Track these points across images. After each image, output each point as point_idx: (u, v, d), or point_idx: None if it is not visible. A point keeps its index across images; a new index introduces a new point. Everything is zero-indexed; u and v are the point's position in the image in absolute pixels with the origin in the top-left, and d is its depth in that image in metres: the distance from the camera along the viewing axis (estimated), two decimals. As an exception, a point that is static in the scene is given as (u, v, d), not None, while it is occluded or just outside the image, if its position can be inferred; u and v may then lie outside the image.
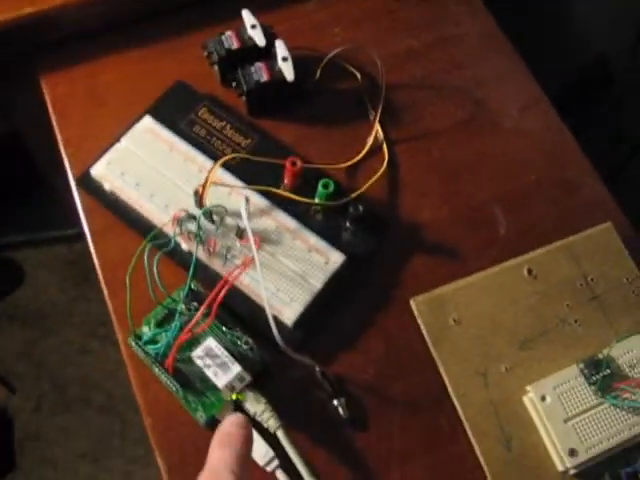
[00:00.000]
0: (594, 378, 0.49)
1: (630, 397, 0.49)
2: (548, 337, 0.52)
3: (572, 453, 0.47)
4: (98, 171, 0.54)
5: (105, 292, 0.53)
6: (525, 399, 0.50)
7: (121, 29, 0.62)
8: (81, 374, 1.22)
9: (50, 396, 1.20)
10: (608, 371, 0.49)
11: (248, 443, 0.38)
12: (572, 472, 0.48)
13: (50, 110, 0.59)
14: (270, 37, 0.57)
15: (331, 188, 0.52)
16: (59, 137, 0.58)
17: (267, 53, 0.57)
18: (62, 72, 0.60)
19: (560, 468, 0.48)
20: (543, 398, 0.49)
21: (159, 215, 0.52)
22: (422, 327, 0.51)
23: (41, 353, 1.22)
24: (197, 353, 0.47)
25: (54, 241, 1.30)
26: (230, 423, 0.39)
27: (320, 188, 0.52)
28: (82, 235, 1.25)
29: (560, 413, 0.48)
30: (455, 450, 0.49)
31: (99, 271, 0.53)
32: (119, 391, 1.21)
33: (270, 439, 0.46)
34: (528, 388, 0.49)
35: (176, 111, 0.57)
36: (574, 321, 0.52)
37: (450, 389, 0.50)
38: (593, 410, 0.49)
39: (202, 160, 0.55)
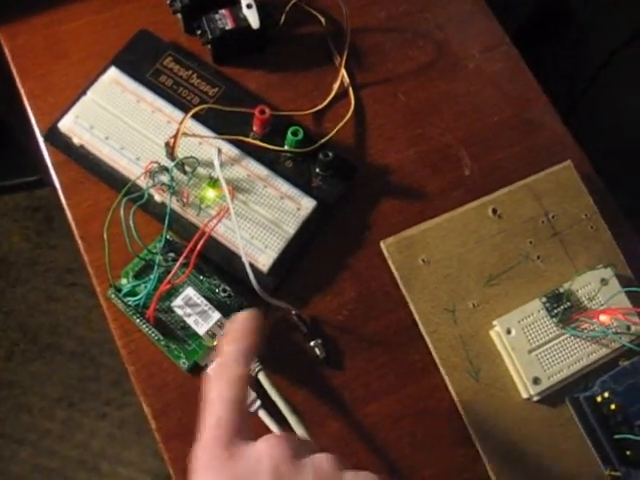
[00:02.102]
0: (555, 311, 0.52)
1: (588, 327, 0.52)
2: (512, 273, 0.54)
3: (535, 381, 0.50)
4: (66, 125, 0.54)
5: (80, 246, 0.53)
6: (492, 333, 0.52)
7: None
8: (51, 321, 1.22)
9: (21, 344, 1.20)
10: (568, 304, 0.52)
11: (253, 335, 0.40)
12: (535, 399, 0.51)
13: (10, 62, 0.58)
14: (233, -17, 0.57)
15: (300, 135, 0.53)
16: (22, 90, 0.57)
17: (231, -1, 0.57)
18: (20, 22, 0.59)
19: (524, 395, 0.51)
20: (508, 331, 0.51)
21: (130, 168, 0.53)
22: (392, 268, 0.53)
23: (8, 302, 1.22)
24: (177, 303, 0.49)
25: (14, 189, 1.28)
26: (238, 320, 0.40)
27: (289, 135, 0.53)
28: (43, 181, 1.23)
29: (524, 345, 0.51)
30: (427, 383, 0.52)
31: (73, 225, 0.54)
32: (90, 336, 1.22)
33: (251, 381, 0.48)
34: (494, 322, 0.52)
35: (141, 61, 0.57)
36: (536, 257, 0.55)
37: (421, 326, 0.52)
38: (555, 341, 0.52)
39: (170, 111, 0.55)
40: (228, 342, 0.39)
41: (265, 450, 0.34)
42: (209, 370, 0.47)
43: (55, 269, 1.25)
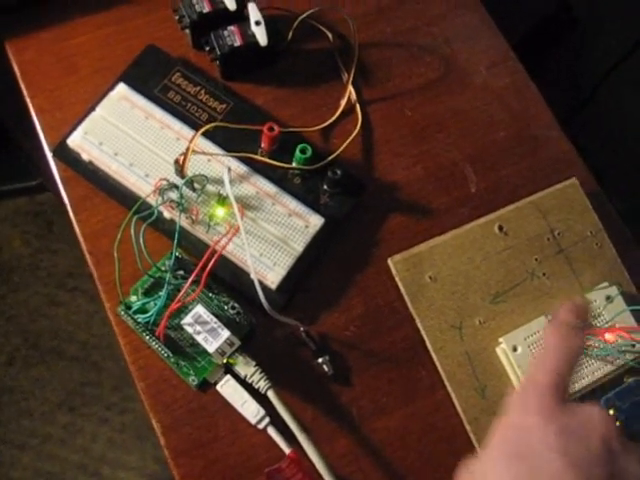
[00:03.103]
0: (561, 328, 0.52)
1: (593, 345, 0.53)
2: (518, 290, 0.55)
3: (542, 398, 0.51)
4: (75, 141, 0.54)
5: (89, 261, 0.53)
6: (498, 350, 0.53)
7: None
8: (52, 326, 1.22)
9: (22, 349, 1.20)
10: (574, 321, 0.53)
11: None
12: (542, 415, 0.51)
13: (19, 77, 0.58)
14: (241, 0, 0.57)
15: (309, 153, 0.53)
16: (30, 105, 0.57)
17: (239, 16, 0.57)
18: (28, 37, 0.59)
19: (531, 412, 0.52)
20: (515, 348, 0.52)
21: (139, 184, 0.53)
22: (400, 285, 0.54)
23: (10, 307, 1.22)
24: (187, 320, 0.49)
25: (14, 193, 1.28)
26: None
27: (298, 153, 0.54)
28: (43, 186, 1.23)
29: (530, 362, 0.52)
30: (434, 399, 0.52)
31: (82, 241, 0.54)
32: (92, 341, 1.22)
33: (261, 398, 0.48)
34: (500, 340, 0.52)
35: (149, 77, 0.57)
36: (542, 274, 0.55)
37: (428, 343, 0.53)
38: (560, 358, 0.52)
39: (179, 127, 0.55)
40: (572, 314, 0.40)
41: (597, 415, 0.35)
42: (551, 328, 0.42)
43: (56, 274, 1.25)
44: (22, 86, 0.58)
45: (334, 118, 0.58)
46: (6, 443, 1.15)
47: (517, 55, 0.64)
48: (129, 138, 0.54)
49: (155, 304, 0.50)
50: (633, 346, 0.53)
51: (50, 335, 1.21)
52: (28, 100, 0.58)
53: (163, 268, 0.51)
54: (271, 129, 0.53)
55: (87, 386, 1.20)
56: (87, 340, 1.22)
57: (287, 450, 0.48)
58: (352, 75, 0.59)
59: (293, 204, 0.54)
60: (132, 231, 0.48)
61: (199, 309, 0.49)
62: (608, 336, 0.52)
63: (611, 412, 0.51)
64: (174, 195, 0.52)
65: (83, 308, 1.23)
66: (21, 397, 1.18)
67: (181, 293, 0.48)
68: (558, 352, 0.38)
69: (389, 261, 0.54)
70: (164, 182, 0.52)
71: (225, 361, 0.49)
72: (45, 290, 1.24)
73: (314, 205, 0.54)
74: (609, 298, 0.54)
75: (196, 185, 0.53)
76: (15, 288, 1.23)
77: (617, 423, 0.51)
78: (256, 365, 0.49)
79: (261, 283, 0.50)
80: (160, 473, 1.16)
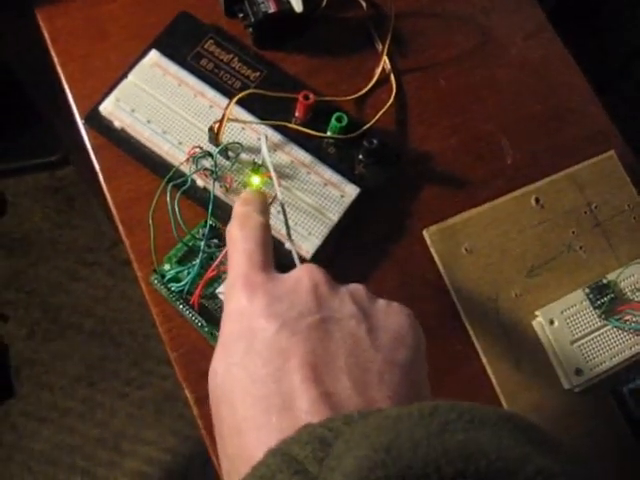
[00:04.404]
0: (599, 302, 0.52)
1: (632, 319, 0.52)
2: (555, 264, 0.54)
3: (578, 372, 0.50)
4: (107, 109, 0.53)
5: (121, 230, 0.53)
6: (534, 323, 0.52)
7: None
8: (72, 300, 1.23)
9: (43, 323, 1.21)
10: (612, 295, 0.52)
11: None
12: (577, 390, 0.51)
13: (49, 45, 0.57)
14: (276, -34, 0.56)
15: (344, 121, 0.53)
16: (61, 74, 0.56)
17: (273, -18, 0.56)
18: (58, 4, 0.58)
19: (566, 386, 0.51)
20: (551, 322, 0.51)
21: (173, 152, 0.52)
22: (435, 256, 0.53)
23: (30, 281, 1.22)
24: (221, 289, 0.48)
25: (35, 168, 1.28)
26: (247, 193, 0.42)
27: (333, 122, 0.53)
28: (65, 161, 1.23)
29: (567, 336, 0.51)
30: (469, 372, 0.52)
31: (113, 210, 0.53)
32: (110, 315, 1.23)
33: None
34: (537, 313, 0.52)
35: (182, 44, 0.56)
36: (579, 247, 0.54)
37: (463, 315, 0.52)
38: (597, 332, 0.52)
39: (212, 95, 0.54)
40: (241, 204, 0.40)
41: (304, 272, 0.35)
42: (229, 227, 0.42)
43: (76, 249, 1.25)
44: (53, 54, 0.57)
45: (368, 88, 0.57)
46: (27, 415, 1.16)
47: (552, 24, 0.63)
48: (162, 105, 0.54)
49: (189, 273, 0.49)
50: (672, 321, 0.52)
51: (69, 309, 1.22)
52: (59, 68, 0.57)
53: (197, 236, 0.50)
54: (306, 97, 0.52)
55: (106, 361, 1.20)
56: (106, 315, 1.22)
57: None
58: (387, 44, 0.58)
59: (328, 173, 0.53)
60: (168, 198, 0.48)
61: (234, 278, 0.49)
62: (647, 310, 0.52)
63: (649, 387, 0.51)
64: (208, 163, 0.51)
65: (102, 283, 1.23)
66: (42, 370, 1.18)
67: (216, 262, 0.48)
68: (243, 235, 0.37)
69: (424, 232, 0.53)
70: (198, 150, 0.51)
71: (260, 330, 0.48)
72: (65, 265, 1.24)
73: (349, 175, 0.53)
74: (647, 272, 0.53)
75: (230, 153, 0.52)
76: (35, 262, 1.23)
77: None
78: (291, 335, 0.49)
79: (296, 253, 0.50)
80: (178, 447, 1.16)
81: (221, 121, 0.50)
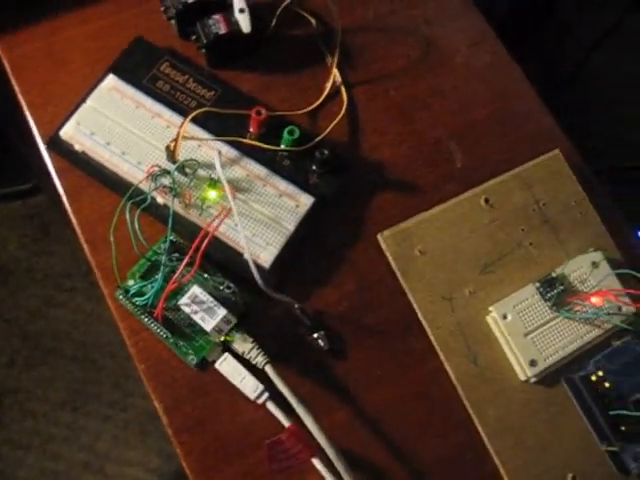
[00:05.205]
0: (549, 295, 0.54)
1: (581, 310, 0.54)
2: (506, 260, 0.56)
3: (532, 363, 0.52)
4: (67, 133, 0.55)
5: (86, 249, 0.54)
6: (488, 318, 0.54)
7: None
8: (51, 327, 1.23)
9: (23, 351, 1.21)
10: (561, 288, 0.54)
11: None
12: (533, 380, 0.53)
13: (9, 73, 0.59)
14: (225, -12, 0.58)
15: (296, 134, 0.55)
16: (22, 100, 0.58)
17: (224, 4, 0.58)
18: (18, 33, 0.60)
19: (522, 378, 0.53)
20: (504, 316, 0.53)
21: (132, 172, 0.54)
22: (390, 260, 0.55)
23: (9, 310, 1.23)
24: (184, 301, 0.50)
25: (8, 197, 1.29)
26: None
27: (286, 135, 0.55)
28: (37, 189, 1.24)
29: (520, 329, 0.53)
30: (427, 369, 0.54)
31: (78, 230, 0.55)
32: (91, 339, 1.23)
33: (259, 374, 0.50)
34: (490, 308, 0.54)
35: (138, 67, 0.58)
36: (529, 244, 0.57)
37: (420, 315, 0.54)
38: (549, 324, 0.54)
39: (169, 115, 0.56)
40: None
41: None
42: None
43: (53, 275, 1.26)
44: (13, 82, 0.59)
45: (320, 101, 0.60)
46: (10, 444, 1.16)
47: (500, 34, 0.65)
48: (120, 127, 0.56)
49: (152, 287, 0.51)
50: (620, 309, 0.54)
51: (49, 336, 1.22)
52: (20, 96, 0.58)
53: (159, 251, 0.52)
54: (259, 113, 0.54)
55: (88, 384, 1.21)
56: (86, 339, 1.23)
57: (287, 423, 0.49)
58: (336, 59, 0.60)
59: (283, 185, 0.55)
60: (127, 216, 0.49)
61: (195, 289, 0.50)
62: (595, 300, 0.54)
63: (600, 373, 0.53)
64: (166, 181, 0.53)
65: (81, 308, 1.24)
66: (23, 398, 1.19)
67: (177, 274, 0.49)
68: None
69: (379, 237, 0.55)
70: (156, 168, 0.53)
71: (222, 339, 0.50)
72: (43, 292, 1.25)
73: (304, 185, 0.55)
74: (594, 264, 0.55)
75: (187, 170, 0.54)
76: (13, 291, 1.24)
77: (607, 384, 0.52)
78: (253, 341, 0.50)
79: (255, 262, 0.52)
80: (164, 467, 1.17)
81: (176, 140, 0.52)
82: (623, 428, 0.52)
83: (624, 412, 0.52)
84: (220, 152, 0.52)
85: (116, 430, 1.19)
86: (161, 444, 1.17)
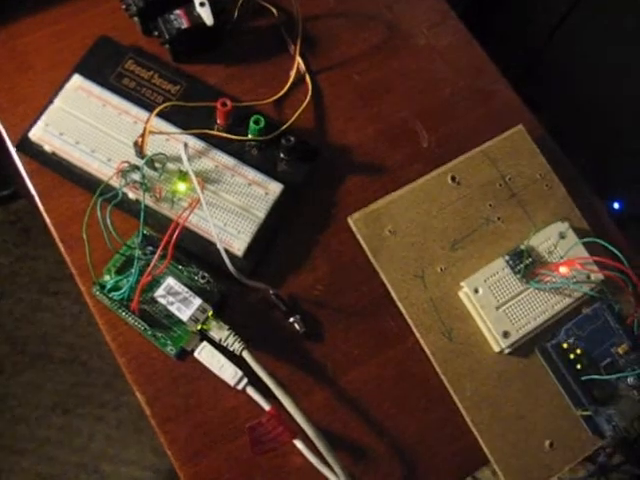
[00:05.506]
0: (518, 267, 0.55)
1: (550, 280, 0.55)
2: (475, 236, 0.57)
3: (505, 335, 0.53)
4: (36, 135, 0.56)
5: (61, 248, 0.55)
6: (460, 294, 0.55)
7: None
8: (38, 331, 1.23)
9: (11, 356, 1.22)
10: (530, 260, 0.55)
11: None
12: (507, 351, 0.54)
13: (-26, 79, 0.60)
14: (184, -17, 0.59)
15: (262, 123, 0.55)
16: (-11, 104, 0.59)
17: (184, -1, 0.59)
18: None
19: (496, 349, 0.54)
20: (476, 290, 0.54)
21: (103, 169, 0.55)
22: (361, 241, 0.56)
23: (-5, 317, 1.24)
24: (159, 293, 0.51)
25: (-11, 204, 1.29)
26: None
27: (252, 124, 0.56)
28: (17, 194, 1.24)
29: (492, 302, 0.54)
30: (404, 347, 0.55)
31: (52, 229, 0.55)
32: (78, 342, 1.24)
33: (237, 360, 0.51)
34: (462, 284, 0.55)
35: (103, 66, 0.59)
36: (497, 219, 0.58)
37: (393, 294, 0.55)
38: (520, 295, 0.55)
39: (136, 111, 0.57)
40: None
41: None
42: None
43: (38, 279, 1.26)
44: (-21, 87, 0.60)
45: (285, 90, 0.60)
46: (4, 450, 1.16)
47: (466, 19, 0.66)
48: (88, 126, 0.56)
49: (128, 281, 0.51)
50: (588, 277, 0.55)
51: (37, 340, 1.23)
52: (-13, 100, 0.59)
53: (133, 246, 0.53)
54: (224, 104, 0.55)
55: (78, 386, 1.21)
56: (74, 341, 1.23)
57: (267, 407, 0.50)
58: (298, 47, 0.61)
59: (252, 174, 0.56)
60: (98, 213, 0.50)
61: (170, 281, 0.51)
62: (563, 270, 0.55)
63: (571, 341, 0.54)
64: (136, 176, 0.53)
65: (67, 311, 1.24)
66: (15, 403, 1.19)
67: (150, 267, 0.50)
68: None
69: (349, 219, 0.56)
70: (126, 164, 0.53)
71: (199, 328, 0.51)
72: (28, 296, 1.25)
73: (272, 173, 0.56)
74: (561, 234, 0.56)
75: (157, 164, 0.54)
76: (-2, 297, 1.24)
77: (578, 351, 0.54)
78: (229, 328, 0.51)
79: (228, 251, 0.52)
80: (160, 464, 1.18)
81: (143, 134, 0.53)
82: (596, 392, 0.53)
83: (596, 377, 0.53)
84: (187, 145, 0.53)
85: (109, 430, 1.20)
86: (155, 441, 1.18)
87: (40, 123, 0.56)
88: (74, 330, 1.24)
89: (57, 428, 1.19)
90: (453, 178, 0.58)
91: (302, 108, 0.59)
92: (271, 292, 0.54)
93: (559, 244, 0.56)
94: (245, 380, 0.50)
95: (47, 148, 0.56)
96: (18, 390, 1.20)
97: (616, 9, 0.92)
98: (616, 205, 1.00)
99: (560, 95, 1.03)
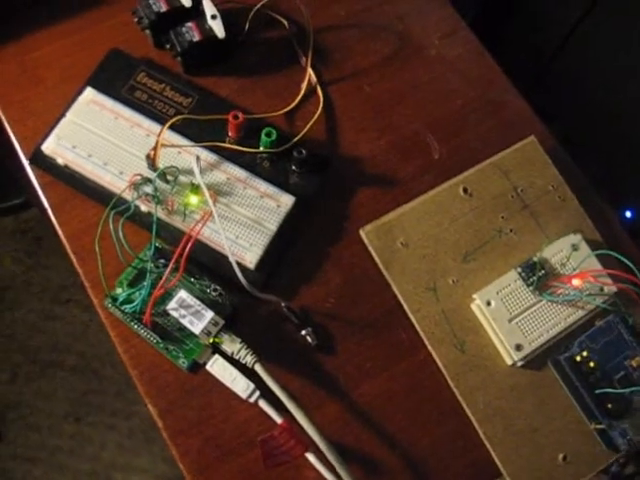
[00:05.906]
0: (531, 280, 0.55)
1: (563, 292, 0.55)
2: (487, 248, 0.57)
3: (518, 348, 0.53)
4: (49, 147, 0.56)
5: (74, 261, 0.55)
6: (473, 306, 0.55)
7: (43, 2, 0.62)
8: (50, 340, 1.24)
9: (23, 365, 1.22)
10: (542, 272, 0.55)
11: None
12: (520, 364, 0.54)
13: (-13, 92, 0.60)
14: (196, -4, 0.59)
15: (274, 136, 0.56)
16: (3, 117, 0.59)
17: (196, 11, 0.59)
18: (-8, 52, 0.61)
19: (509, 362, 0.54)
20: (488, 303, 0.54)
21: (115, 182, 0.55)
22: (373, 253, 0.56)
23: (8, 326, 1.24)
24: (171, 306, 0.51)
25: (0, 213, 1.30)
26: None
27: (263, 137, 0.56)
28: (28, 203, 1.25)
29: (504, 314, 0.54)
30: (416, 360, 0.54)
31: (65, 242, 0.56)
32: (90, 350, 1.24)
33: (249, 373, 0.50)
34: (474, 296, 0.55)
35: (115, 79, 0.59)
36: (509, 230, 0.57)
37: (405, 306, 0.55)
38: (532, 308, 0.54)
39: (148, 124, 0.57)
40: None
41: None
42: None
43: (50, 288, 1.27)
44: (-7, 100, 0.60)
45: (297, 101, 0.60)
46: (16, 458, 1.17)
47: (475, 29, 0.66)
48: (101, 139, 0.56)
49: (140, 294, 0.52)
50: (601, 289, 0.55)
51: (49, 349, 1.23)
52: (0, 112, 0.59)
53: (145, 259, 0.53)
54: (236, 117, 0.55)
55: (90, 395, 1.21)
56: (85, 350, 1.23)
57: (279, 420, 0.50)
58: (310, 59, 0.61)
59: (264, 186, 0.56)
60: (111, 226, 0.50)
61: (182, 294, 0.51)
62: (575, 282, 0.55)
63: (585, 354, 0.53)
64: (149, 189, 0.54)
65: (78, 319, 1.25)
66: (27, 412, 1.19)
67: (162, 280, 0.50)
68: None
69: (361, 232, 0.56)
70: (138, 177, 0.54)
71: (211, 341, 0.51)
72: (40, 306, 1.25)
73: (284, 185, 0.56)
74: (574, 246, 0.56)
75: (169, 177, 0.55)
76: (11, 306, 1.25)
77: (592, 364, 0.53)
78: (242, 341, 0.51)
79: (240, 264, 0.52)
80: (171, 472, 1.18)
81: (155, 148, 0.53)
82: (609, 406, 0.53)
83: (610, 390, 0.53)
84: (199, 157, 0.53)
85: (121, 438, 1.20)
86: (166, 450, 1.18)
87: (53, 136, 0.57)
88: (85, 338, 1.24)
89: (69, 436, 1.19)
90: (465, 190, 0.58)
91: (314, 120, 0.59)
92: (283, 305, 0.54)
93: (572, 256, 0.56)
94: (257, 393, 0.50)
95: (60, 161, 0.56)
96: (31, 398, 1.20)
97: (628, 18, 0.92)
98: (628, 214, 1.00)
99: (571, 104, 1.02)
